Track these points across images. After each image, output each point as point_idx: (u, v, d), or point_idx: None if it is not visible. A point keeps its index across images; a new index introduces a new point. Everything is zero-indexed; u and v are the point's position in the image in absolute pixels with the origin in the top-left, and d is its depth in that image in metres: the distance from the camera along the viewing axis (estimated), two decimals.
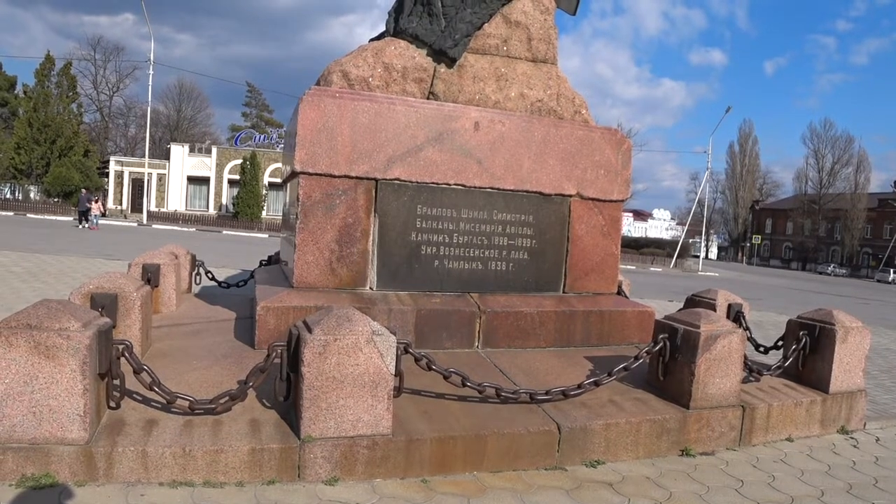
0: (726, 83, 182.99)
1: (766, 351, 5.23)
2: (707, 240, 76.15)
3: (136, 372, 3.10)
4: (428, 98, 4.88)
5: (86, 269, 11.48)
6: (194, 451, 2.90)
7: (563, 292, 5.13)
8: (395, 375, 3.21)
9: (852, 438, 4.46)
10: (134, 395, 3.22)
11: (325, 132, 4.32)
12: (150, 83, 37.98)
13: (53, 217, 35.63)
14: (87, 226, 29.24)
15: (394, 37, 4.95)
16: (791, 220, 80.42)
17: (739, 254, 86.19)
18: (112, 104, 64.08)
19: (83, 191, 33.39)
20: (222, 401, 3.14)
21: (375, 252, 4.55)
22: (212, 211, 45.85)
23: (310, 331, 3.10)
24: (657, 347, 4.04)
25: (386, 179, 4.51)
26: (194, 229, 36.61)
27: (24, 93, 46.64)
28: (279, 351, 3.20)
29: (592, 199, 5.15)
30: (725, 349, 3.93)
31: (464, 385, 3.55)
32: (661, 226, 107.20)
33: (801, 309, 5.64)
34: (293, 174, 4.53)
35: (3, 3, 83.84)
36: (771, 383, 4.56)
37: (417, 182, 4.60)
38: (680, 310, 4.62)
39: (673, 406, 3.94)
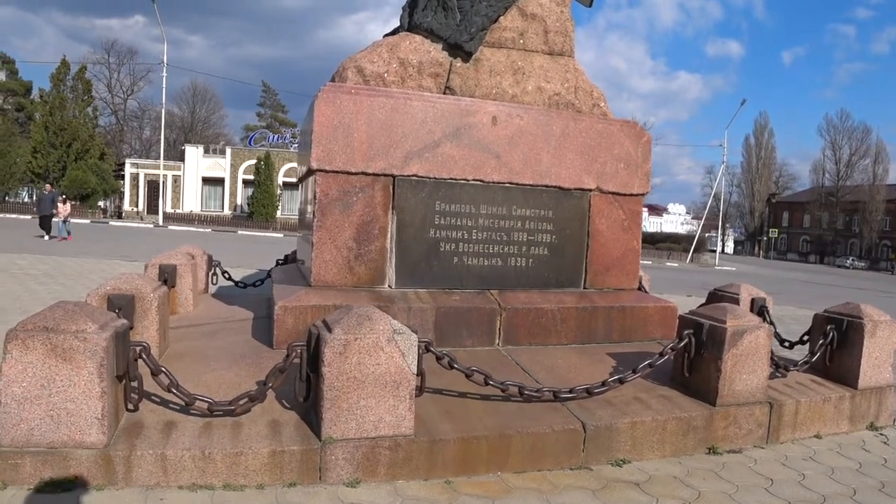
0: (743, 75, 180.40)
1: (792, 346, 5.13)
2: (723, 234, 75.37)
3: (154, 373, 3.07)
4: (444, 93, 4.82)
5: (103, 270, 11.54)
6: (214, 454, 2.87)
7: (584, 288, 5.05)
8: (417, 375, 3.16)
9: (882, 435, 4.35)
10: (152, 397, 3.19)
11: (340, 129, 4.27)
12: (164, 85, 38.38)
13: (73, 220, 35.85)
14: (53, 236, 20.07)
15: (408, 32, 4.90)
16: (808, 213, 79.41)
17: (756, 248, 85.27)
18: (126, 107, 64.75)
19: (46, 188, 24.05)
20: (241, 402, 3.10)
21: (394, 249, 4.49)
22: (227, 211, 46.12)
23: (330, 330, 3.05)
24: (682, 343, 3.96)
25: (403, 176, 4.45)
26: (210, 230, 36.82)
27: (41, 97, 47.12)
28: (299, 351, 3.15)
29: (612, 194, 5.06)
30: (752, 345, 3.84)
31: (486, 384, 3.48)
32: (676, 220, 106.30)
33: (820, 303, 5.53)
34: (309, 172, 4.48)
35: (14, 8, 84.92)
36: (798, 379, 4.45)
37: (435, 178, 4.53)
38: (702, 304, 4.53)
39: (699, 403, 3.85)
